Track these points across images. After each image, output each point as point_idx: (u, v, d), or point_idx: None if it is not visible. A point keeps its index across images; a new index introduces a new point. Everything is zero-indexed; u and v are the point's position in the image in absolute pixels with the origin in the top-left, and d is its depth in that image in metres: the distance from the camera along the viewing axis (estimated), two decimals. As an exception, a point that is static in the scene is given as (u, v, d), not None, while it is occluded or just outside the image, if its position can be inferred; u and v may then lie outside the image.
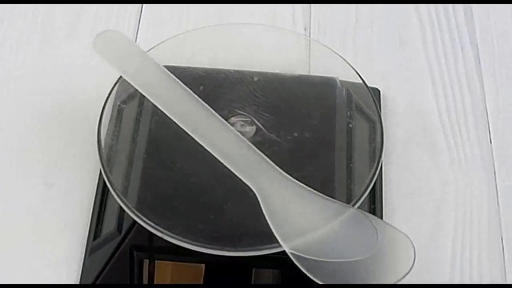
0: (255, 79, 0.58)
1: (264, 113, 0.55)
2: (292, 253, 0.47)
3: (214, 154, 0.50)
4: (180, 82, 0.53)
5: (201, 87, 0.56)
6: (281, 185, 0.50)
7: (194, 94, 0.53)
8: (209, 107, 0.52)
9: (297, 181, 0.50)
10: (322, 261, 0.47)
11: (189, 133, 0.51)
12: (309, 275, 0.46)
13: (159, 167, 0.53)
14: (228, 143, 0.51)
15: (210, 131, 0.51)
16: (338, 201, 0.50)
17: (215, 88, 0.57)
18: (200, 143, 0.51)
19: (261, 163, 0.50)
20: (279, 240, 0.47)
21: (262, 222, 0.50)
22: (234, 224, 0.51)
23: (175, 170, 0.53)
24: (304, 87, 0.58)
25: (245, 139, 0.51)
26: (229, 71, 0.59)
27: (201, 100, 0.53)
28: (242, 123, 0.54)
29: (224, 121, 0.52)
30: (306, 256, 0.47)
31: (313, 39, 0.67)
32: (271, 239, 0.48)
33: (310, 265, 0.47)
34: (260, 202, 0.48)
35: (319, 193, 0.49)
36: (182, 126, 0.51)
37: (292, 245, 0.47)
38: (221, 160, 0.50)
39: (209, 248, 0.49)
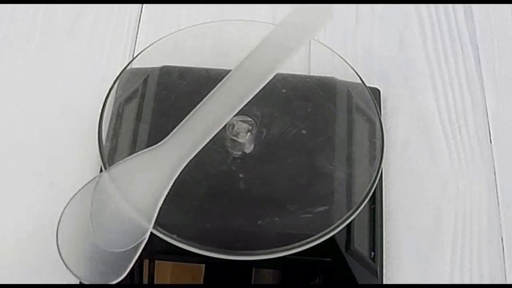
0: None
1: (264, 113, 0.55)
2: None
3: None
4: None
5: (201, 87, 0.56)
6: None
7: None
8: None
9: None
10: None
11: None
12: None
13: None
14: None
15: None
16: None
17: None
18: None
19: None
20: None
21: (264, 226, 0.50)
22: (235, 227, 0.51)
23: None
24: (304, 87, 0.58)
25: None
26: (229, 71, 0.58)
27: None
28: (242, 123, 0.54)
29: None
30: None
31: (313, 39, 0.67)
32: (273, 243, 0.48)
33: None
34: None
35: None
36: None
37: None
38: None
39: (209, 251, 0.49)
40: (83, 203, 0.50)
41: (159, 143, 0.50)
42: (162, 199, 0.49)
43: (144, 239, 0.48)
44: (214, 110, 0.51)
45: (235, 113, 0.51)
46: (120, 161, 0.50)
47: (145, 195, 0.49)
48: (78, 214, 0.50)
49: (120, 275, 0.48)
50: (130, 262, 0.48)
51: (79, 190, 0.50)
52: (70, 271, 0.49)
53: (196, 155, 0.50)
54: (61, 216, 0.50)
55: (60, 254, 0.49)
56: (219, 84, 0.52)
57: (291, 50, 0.54)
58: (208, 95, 0.52)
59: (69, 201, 0.51)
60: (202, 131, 0.50)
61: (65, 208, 0.51)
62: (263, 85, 0.52)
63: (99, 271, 0.48)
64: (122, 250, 0.48)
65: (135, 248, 0.48)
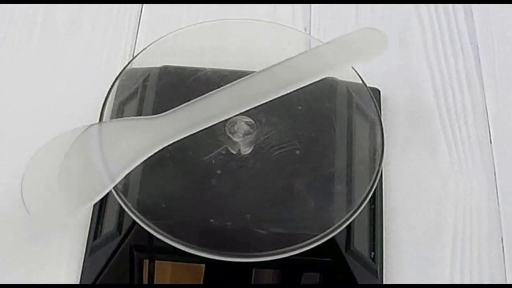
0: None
1: (264, 113, 0.55)
2: None
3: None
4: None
5: (201, 87, 0.56)
6: None
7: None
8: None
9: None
10: None
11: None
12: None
13: (159, 168, 0.53)
14: None
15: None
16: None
17: (215, 88, 0.57)
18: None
19: None
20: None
21: (264, 227, 0.50)
22: (235, 231, 0.51)
23: (175, 171, 0.53)
24: (304, 87, 0.58)
25: None
26: (229, 71, 0.59)
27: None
28: (242, 123, 0.54)
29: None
30: None
31: (313, 37, 0.67)
32: (274, 245, 0.48)
33: None
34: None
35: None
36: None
37: None
38: None
39: (209, 252, 0.49)
40: (55, 152, 0.51)
41: (156, 116, 0.51)
42: (133, 167, 0.49)
43: (100, 194, 0.49)
44: (218, 103, 0.52)
45: (238, 112, 0.52)
46: (113, 120, 0.52)
47: (120, 157, 0.50)
48: (48, 160, 0.51)
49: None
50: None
51: (55, 137, 0.51)
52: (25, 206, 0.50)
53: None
54: (31, 160, 0.51)
55: (21, 194, 0.50)
56: (240, 80, 0.53)
57: (328, 68, 0.54)
58: (223, 87, 0.52)
59: (42, 146, 0.51)
60: (197, 118, 0.51)
61: (37, 152, 0.51)
62: (282, 94, 0.52)
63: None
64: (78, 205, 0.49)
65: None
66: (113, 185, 0.49)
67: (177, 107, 0.52)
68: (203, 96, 0.52)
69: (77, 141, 0.50)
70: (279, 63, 0.54)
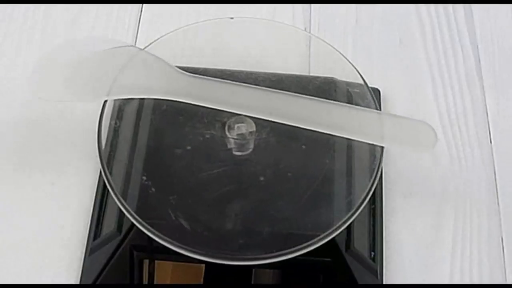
0: (254, 78, 0.58)
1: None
2: None
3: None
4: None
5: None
6: None
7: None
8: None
9: None
10: None
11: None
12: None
13: (159, 170, 0.53)
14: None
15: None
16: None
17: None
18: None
19: None
20: None
21: (264, 228, 0.50)
22: (236, 232, 0.51)
23: (175, 171, 0.53)
24: (304, 87, 0.58)
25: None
26: (229, 70, 0.59)
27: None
28: (242, 123, 0.54)
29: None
30: None
31: (313, 35, 0.68)
32: (274, 246, 0.48)
33: None
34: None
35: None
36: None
37: None
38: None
39: (209, 256, 0.49)
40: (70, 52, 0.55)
41: (184, 72, 0.54)
42: (130, 96, 0.54)
43: (92, 101, 0.54)
44: (242, 97, 0.53)
45: (254, 115, 0.52)
46: (148, 52, 0.55)
47: (127, 80, 0.53)
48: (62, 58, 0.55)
49: None
50: None
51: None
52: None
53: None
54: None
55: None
56: (280, 92, 0.53)
57: (367, 136, 0.52)
58: (257, 87, 0.53)
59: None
60: (215, 97, 0.52)
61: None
62: (307, 127, 0.52)
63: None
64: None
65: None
66: (103, 99, 0.53)
67: (206, 78, 0.53)
68: (234, 83, 0.53)
69: (107, 51, 0.54)
70: (331, 103, 0.52)
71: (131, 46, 0.54)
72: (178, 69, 0.54)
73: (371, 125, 0.52)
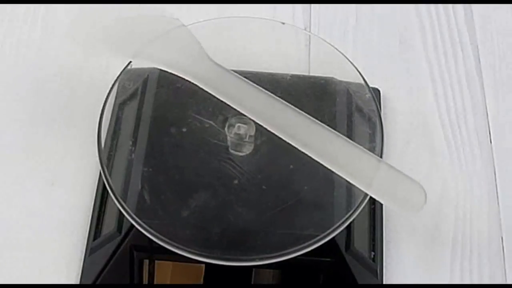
0: (254, 77, 0.58)
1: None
2: None
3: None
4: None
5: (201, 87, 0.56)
6: None
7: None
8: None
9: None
10: None
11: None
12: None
13: (159, 171, 0.53)
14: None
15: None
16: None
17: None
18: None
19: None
20: None
21: (264, 229, 0.50)
22: (235, 233, 0.51)
23: (175, 172, 0.53)
24: (304, 87, 0.58)
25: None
26: (229, 70, 0.58)
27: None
28: (242, 123, 0.54)
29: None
30: None
31: (313, 35, 0.68)
32: (274, 246, 0.48)
33: None
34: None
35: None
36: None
37: None
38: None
39: (209, 257, 0.49)
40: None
41: (212, 61, 0.54)
42: (154, 65, 0.54)
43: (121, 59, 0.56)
44: (253, 99, 0.53)
45: (257, 119, 0.52)
46: (189, 32, 0.56)
47: (158, 51, 0.54)
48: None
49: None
50: None
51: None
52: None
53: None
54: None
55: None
56: (289, 108, 0.52)
57: (356, 176, 0.50)
58: (267, 93, 0.53)
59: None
60: (228, 90, 0.53)
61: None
62: (302, 149, 0.51)
63: None
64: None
65: None
66: (129, 60, 0.55)
67: (230, 72, 0.54)
68: (257, 87, 0.53)
69: (151, 17, 0.57)
70: (337, 135, 0.51)
71: (176, 19, 0.56)
72: (210, 58, 0.55)
73: (364, 170, 0.50)
